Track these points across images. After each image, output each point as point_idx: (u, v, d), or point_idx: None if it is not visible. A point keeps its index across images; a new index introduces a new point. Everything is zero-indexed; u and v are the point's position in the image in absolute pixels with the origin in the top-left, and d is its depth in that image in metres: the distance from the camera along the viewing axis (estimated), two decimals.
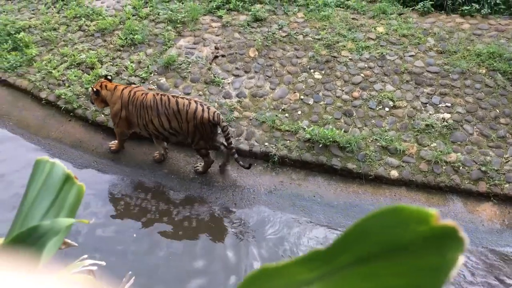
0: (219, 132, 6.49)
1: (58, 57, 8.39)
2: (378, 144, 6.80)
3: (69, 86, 7.82)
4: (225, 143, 6.47)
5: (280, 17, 8.91)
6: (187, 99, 6.29)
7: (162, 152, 6.93)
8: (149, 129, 6.44)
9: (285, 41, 8.37)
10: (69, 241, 1.53)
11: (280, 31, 8.55)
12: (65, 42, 8.78)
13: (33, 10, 9.83)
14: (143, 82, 7.76)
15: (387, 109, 7.25)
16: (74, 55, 8.30)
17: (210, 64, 8.05)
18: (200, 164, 6.81)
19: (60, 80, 7.98)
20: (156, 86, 7.71)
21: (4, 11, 9.78)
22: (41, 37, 8.91)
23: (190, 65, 8.02)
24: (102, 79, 6.79)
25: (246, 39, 8.45)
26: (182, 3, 9.35)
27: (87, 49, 8.50)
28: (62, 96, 7.65)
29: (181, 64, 8.02)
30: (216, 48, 8.29)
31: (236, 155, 6.43)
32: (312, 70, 7.85)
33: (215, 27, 8.78)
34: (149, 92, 6.50)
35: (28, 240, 0.96)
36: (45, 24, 9.22)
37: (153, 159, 6.97)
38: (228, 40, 8.45)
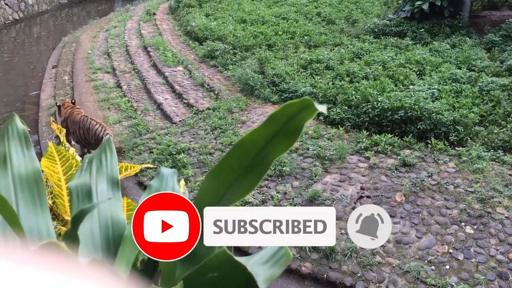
0: None
1: None
2: None
3: None
4: None
5: (430, 165, 8.75)
6: (97, 122, 9.15)
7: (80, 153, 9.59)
8: (75, 136, 9.39)
9: (434, 190, 8.12)
10: None
11: (430, 179, 8.35)
12: None
13: (193, 135, 10.80)
14: None
15: None
16: None
17: (355, 203, 8.01)
18: None
19: None
20: None
21: (168, 133, 10.89)
22: (197, 160, 9.66)
23: (334, 202, 8.04)
24: (68, 101, 10.14)
25: (393, 182, 8.36)
26: (331, 141, 9.67)
27: None
28: None
29: (325, 200, 8.08)
30: (361, 188, 8.29)
31: None
32: (463, 224, 7.43)
33: (362, 167, 8.86)
34: (80, 113, 9.47)
35: None
36: (202, 148, 10.03)
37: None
38: (374, 182, 8.42)
